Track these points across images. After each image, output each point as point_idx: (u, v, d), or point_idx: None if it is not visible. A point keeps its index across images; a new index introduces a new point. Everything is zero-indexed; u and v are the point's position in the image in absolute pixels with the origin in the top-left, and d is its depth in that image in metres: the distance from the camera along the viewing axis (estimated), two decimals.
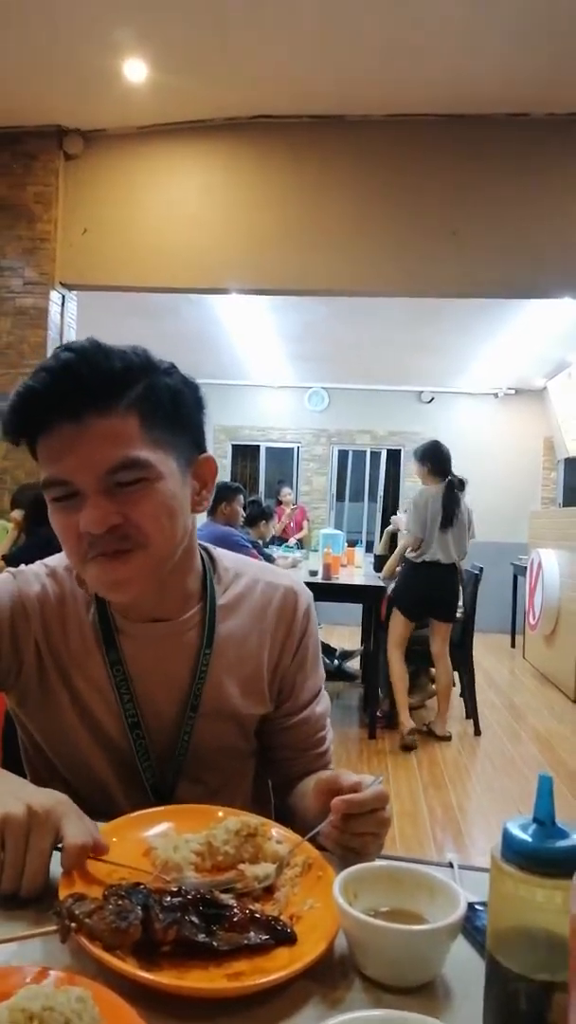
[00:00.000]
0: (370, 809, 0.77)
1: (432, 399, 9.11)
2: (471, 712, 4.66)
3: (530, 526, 7.30)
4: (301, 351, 7.76)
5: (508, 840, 0.52)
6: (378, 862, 0.72)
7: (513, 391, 8.90)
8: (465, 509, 4.41)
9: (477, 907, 0.69)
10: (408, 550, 4.40)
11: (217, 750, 0.99)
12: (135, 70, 3.88)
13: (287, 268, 4.35)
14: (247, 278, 4.46)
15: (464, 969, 0.62)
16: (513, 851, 0.52)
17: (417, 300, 5.08)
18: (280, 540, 7.50)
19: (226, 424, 9.18)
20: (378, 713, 4.51)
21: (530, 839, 0.51)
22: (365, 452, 9.46)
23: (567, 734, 4.76)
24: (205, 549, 1.04)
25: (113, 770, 0.97)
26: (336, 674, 5.54)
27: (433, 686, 4.85)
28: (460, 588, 4.53)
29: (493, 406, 9.04)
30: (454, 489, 4.35)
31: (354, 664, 5.80)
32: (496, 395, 8.97)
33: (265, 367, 8.45)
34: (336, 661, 5.67)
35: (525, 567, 7.04)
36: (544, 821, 0.52)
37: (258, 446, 9.57)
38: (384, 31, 3.49)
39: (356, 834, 0.77)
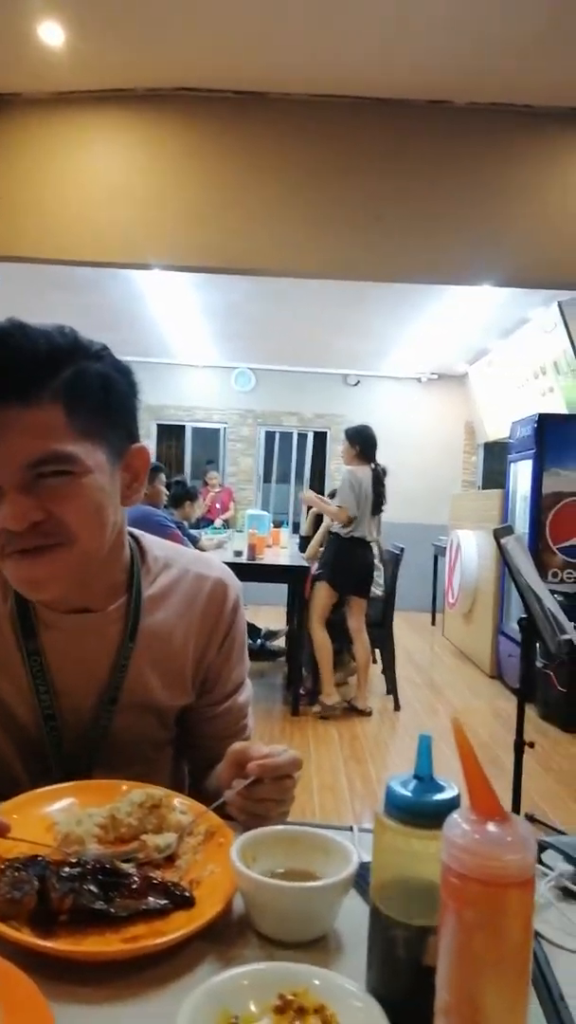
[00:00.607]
0: (284, 774, 0.79)
1: (358, 382, 9.21)
2: (391, 688, 4.80)
3: (451, 508, 7.51)
4: (225, 330, 7.70)
5: (390, 796, 0.55)
6: (276, 826, 0.74)
7: (436, 376, 9.09)
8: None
9: None
10: (339, 525, 4.50)
11: (135, 741, 0.97)
12: (51, 33, 3.72)
13: (209, 245, 4.30)
14: (169, 254, 4.38)
15: (356, 923, 0.65)
16: (394, 806, 0.55)
17: (341, 283, 5.10)
18: (207, 522, 7.47)
19: (151, 403, 9.02)
20: (301, 691, 4.59)
21: (409, 794, 0.54)
22: (292, 434, 9.50)
23: (483, 707, 4.95)
24: (134, 538, 1.01)
25: (22, 760, 0.95)
26: (260, 653, 5.59)
27: (354, 663, 4.96)
28: (376, 565, 4.73)
29: (417, 390, 9.21)
30: (381, 477, 4.56)
31: (279, 643, 5.86)
32: (420, 380, 9.15)
33: (190, 345, 8.35)
34: (261, 640, 5.72)
35: (445, 547, 7.25)
36: (423, 777, 0.55)
37: (183, 426, 9.47)
38: (308, 8, 3.47)
39: (260, 800, 0.79)
